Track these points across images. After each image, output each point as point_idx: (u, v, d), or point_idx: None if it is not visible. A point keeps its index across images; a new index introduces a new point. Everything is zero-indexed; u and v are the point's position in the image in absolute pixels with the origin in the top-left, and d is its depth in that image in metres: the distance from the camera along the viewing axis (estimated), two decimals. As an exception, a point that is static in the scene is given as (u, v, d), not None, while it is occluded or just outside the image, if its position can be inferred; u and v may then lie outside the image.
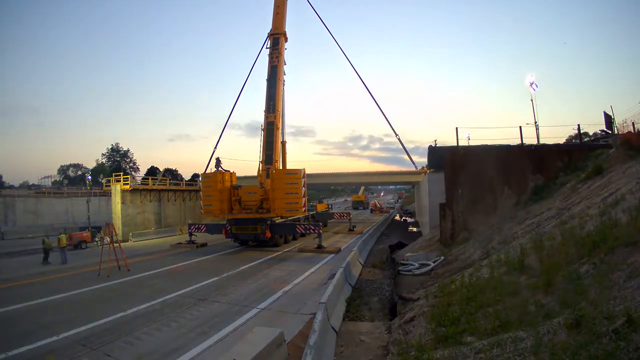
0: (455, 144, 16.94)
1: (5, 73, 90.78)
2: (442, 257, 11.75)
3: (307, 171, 18.28)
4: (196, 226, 19.30)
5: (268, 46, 20.18)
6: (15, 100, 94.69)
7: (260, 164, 18.67)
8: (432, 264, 11.36)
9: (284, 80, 20.15)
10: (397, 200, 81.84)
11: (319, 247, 15.89)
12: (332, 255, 14.74)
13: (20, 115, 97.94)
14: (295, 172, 17.27)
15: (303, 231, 17.24)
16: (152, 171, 51.15)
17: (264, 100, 19.11)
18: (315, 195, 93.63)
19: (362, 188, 68.61)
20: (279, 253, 15.84)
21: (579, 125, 17.25)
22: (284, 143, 20.52)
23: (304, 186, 17.01)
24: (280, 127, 19.32)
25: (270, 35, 20.16)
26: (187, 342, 6.09)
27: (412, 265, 11.93)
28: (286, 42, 20.64)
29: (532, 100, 20.19)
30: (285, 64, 20.33)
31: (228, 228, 17.36)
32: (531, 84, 20.22)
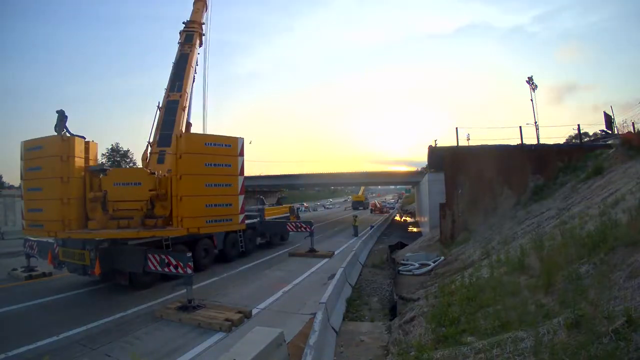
0: (455, 144, 16.96)
1: (5, 73, 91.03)
2: (442, 257, 11.77)
3: (312, 170, 15.86)
4: None
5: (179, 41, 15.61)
6: (15, 101, 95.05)
7: (150, 146, 11.62)
8: (432, 264, 11.38)
9: (194, 75, 15.29)
10: (397, 200, 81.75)
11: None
12: (332, 256, 14.73)
13: (21, 116, 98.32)
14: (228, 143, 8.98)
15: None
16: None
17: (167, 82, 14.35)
18: (316, 196, 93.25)
19: (362, 188, 68.51)
20: (278, 253, 15.85)
21: (579, 125, 17.32)
22: (189, 124, 14.47)
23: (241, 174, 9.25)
24: (187, 108, 14.19)
25: (183, 30, 15.70)
26: (187, 342, 6.09)
27: (412, 265, 11.94)
28: (200, 45, 16.05)
29: (531, 100, 20.26)
30: (197, 65, 16.80)
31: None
32: (531, 84, 20.27)
